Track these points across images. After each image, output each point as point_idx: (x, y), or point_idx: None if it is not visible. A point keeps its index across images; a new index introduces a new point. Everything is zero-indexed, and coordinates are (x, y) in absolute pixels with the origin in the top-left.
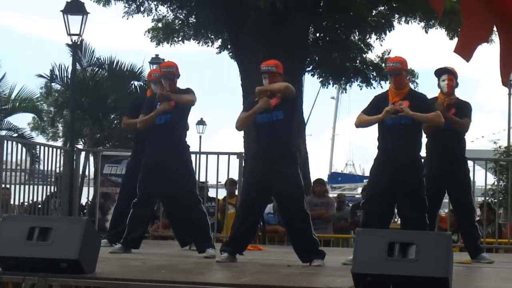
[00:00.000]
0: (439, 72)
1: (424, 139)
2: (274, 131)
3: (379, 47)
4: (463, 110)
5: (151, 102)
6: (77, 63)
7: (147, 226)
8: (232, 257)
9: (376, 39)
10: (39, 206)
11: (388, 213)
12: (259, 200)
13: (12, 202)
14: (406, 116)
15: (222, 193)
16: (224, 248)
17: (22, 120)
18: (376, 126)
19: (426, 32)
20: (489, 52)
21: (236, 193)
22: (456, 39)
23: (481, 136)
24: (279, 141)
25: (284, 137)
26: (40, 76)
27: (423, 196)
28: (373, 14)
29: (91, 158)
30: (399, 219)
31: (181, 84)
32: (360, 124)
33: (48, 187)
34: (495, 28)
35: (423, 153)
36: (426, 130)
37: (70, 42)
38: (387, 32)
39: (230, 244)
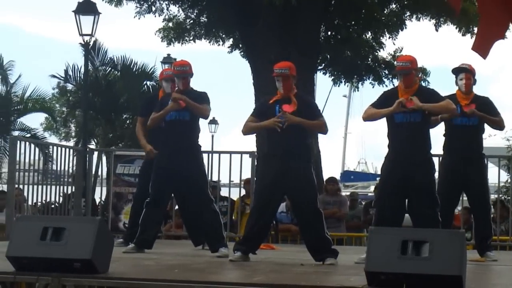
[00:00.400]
0: (457, 71)
1: (440, 137)
2: (285, 131)
3: (391, 45)
4: (489, 107)
5: (163, 102)
6: (90, 63)
7: (160, 226)
8: (245, 256)
9: (389, 37)
10: (53, 206)
11: (400, 211)
12: (272, 200)
13: (25, 202)
14: (417, 111)
15: (234, 192)
16: (238, 247)
17: (35, 121)
18: (386, 124)
19: (437, 30)
20: (501, 49)
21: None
22: (467, 36)
23: (493, 133)
24: (291, 141)
25: (296, 136)
26: (54, 76)
27: (434, 194)
28: (385, 12)
29: (104, 158)
30: (410, 217)
31: (193, 83)
32: (368, 117)
33: (62, 187)
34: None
35: (438, 150)
36: (440, 120)
37: (82, 42)
38: (399, 31)
39: (244, 243)
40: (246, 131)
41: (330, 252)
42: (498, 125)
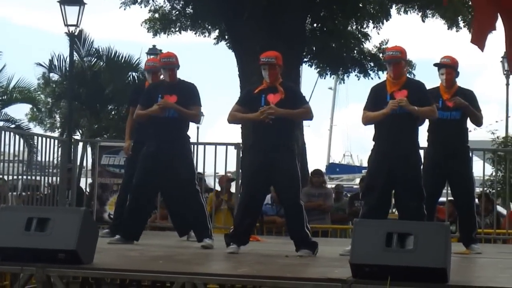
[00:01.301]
0: (438, 66)
1: (425, 129)
2: (273, 123)
3: (376, 37)
4: (472, 101)
5: (149, 94)
6: (75, 54)
7: (147, 217)
8: (238, 248)
9: (374, 27)
10: (37, 197)
11: (387, 204)
12: (258, 191)
13: (9, 193)
14: (404, 108)
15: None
16: (230, 240)
17: (20, 111)
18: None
19: (423, 21)
20: (486, 42)
21: (232, 190)
22: (453, 30)
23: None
24: (277, 133)
25: (282, 128)
26: (39, 65)
27: (420, 186)
28: (370, 2)
29: (89, 149)
30: (396, 209)
31: (178, 75)
32: (368, 122)
33: (47, 178)
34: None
35: (423, 143)
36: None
37: (67, 33)
38: (384, 21)
39: (235, 236)
40: (232, 120)
41: (306, 245)
42: (478, 120)
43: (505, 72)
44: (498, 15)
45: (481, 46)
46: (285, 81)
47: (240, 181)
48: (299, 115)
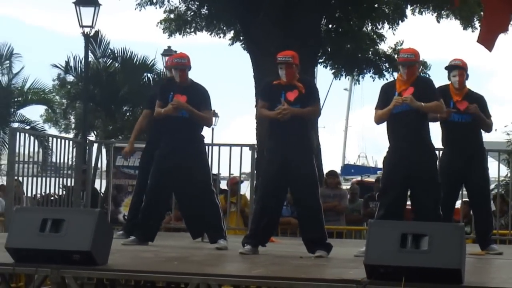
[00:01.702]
0: (449, 68)
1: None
2: (290, 123)
3: (391, 38)
4: (482, 107)
5: (164, 91)
6: (91, 55)
7: (162, 218)
8: (255, 249)
9: (389, 28)
10: (52, 198)
11: (402, 205)
12: (277, 192)
13: (24, 194)
14: (410, 104)
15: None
16: (246, 241)
17: (35, 113)
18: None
19: (438, 21)
20: (500, 43)
21: (242, 192)
22: (469, 30)
23: (493, 128)
24: (293, 133)
25: (298, 129)
26: (55, 66)
27: (437, 188)
28: (385, 3)
29: (104, 150)
30: (412, 211)
31: (194, 76)
32: (378, 121)
33: (62, 179)
34: None
35: (438, 144)
36: (438, 118)
37: (83, 34)
38: (399, 22)
39: (252, 237)
40: (259, 116)
41: (323, 246)
42: (488, 127)
43: None
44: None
45: (489, 47)
46: (302, 76)
47: (254, 182)
48: (309, 114)
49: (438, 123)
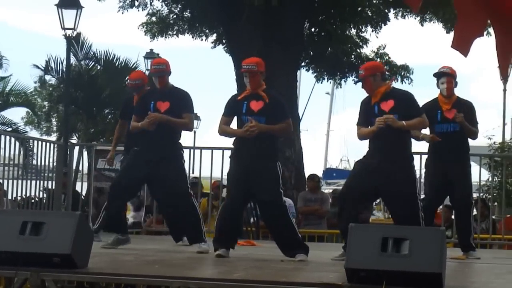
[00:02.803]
0: (438, 75)
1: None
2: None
3: (374, 41)
4: (470, 114)
5: (143, 101)
6: (73, 57)
7: (124, 210)
8: (226, 252)
9: (372, 31)
10: (33, 201)
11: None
12: (238, 196)
13: (5, 197)
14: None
15: None
16: (215, 245)
17: (16, 115)
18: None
19: (422, 25)
20: (482, 47)
21: (224, 195)
22: (452, 33)
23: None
24: (260, 144)
25: (264, 139)
26: (36, 66)
27: (415, 192)
28: (368, 5)
29: (85, 153)
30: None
31: (175, 79)
32: (362, 139)
33: (43, 181)
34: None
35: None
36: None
37: (65, 36)
38: (382, 25)
39: (218, 240)
40: (221, 133)
41: (300, 248)
42: (473, 136)
43: (502, 79)
44: (488, 20)
45: (465, 52)
46: (268, 89)
47: None
48: (279, 131)
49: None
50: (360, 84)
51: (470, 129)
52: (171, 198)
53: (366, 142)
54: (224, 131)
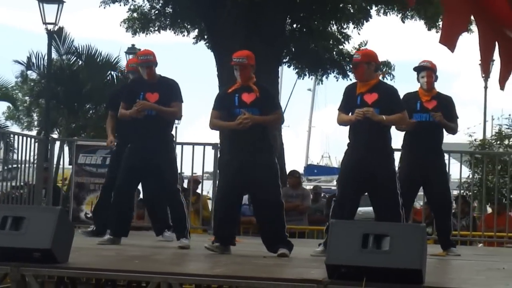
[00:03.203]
0: (418, 69)
1: (401, 132)
2: (250, 128)
3: (356, 38)
4: (450, 108)
5: (132, 90)
6: (54, 52)
7: (132, 213)
8: (225, 248)
9: (354, 28)
10: (13, 195)
11: (356, 206)
12: (236, 191)
13: None
14: (376, 107)
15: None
16: (215, 240)
17: None
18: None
19: (403, 22)
20: (464, 44)
21: (199, 190)
22: (433, 31)
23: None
24: (254, 136)
25: (258, 132)
26: (17, 62)
27: (396, 188)
28: (350, 2)
29: (66, 148)
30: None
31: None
32: (340, 123)
33: (24, 176)
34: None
35: (399, 145)
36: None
37: (46, 31)
38: (364, 22)
39: (217, 236)
40: (213, 127)
41: (284, 243)
42: (453, 131)
43: (483, 75)
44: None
45: (451, 47)
46: (259, 81)
47: (217, 181)
48: (272, 122)
49: None
50: (341, 80)
51: (449, 125)
52: (160, 193)
53: (347, 137)
54: (215, 124)
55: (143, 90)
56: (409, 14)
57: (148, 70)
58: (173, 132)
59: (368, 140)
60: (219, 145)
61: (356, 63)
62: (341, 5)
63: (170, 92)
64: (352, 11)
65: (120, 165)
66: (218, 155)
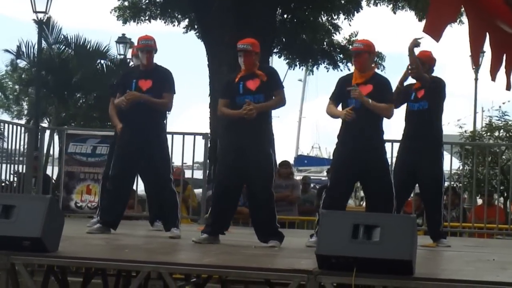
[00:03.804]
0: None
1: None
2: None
3: (346, 29)
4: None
5: (124, 79)
6: (43, 41)
7: (126, 205)
8: (213, 238)
9: (345, 19)
10: (3, 184)
11: (347, 197)
12: (233, 179)
13: None
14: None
15: (187, 174)
16: (204, 230)
17: None
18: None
19: (394, 12)
20: (454, 35)
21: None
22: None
23: (447, 122)
24: (254, 125)
25: (258, 122)
26: (7, 51)
27: (389, 179)
28: None
29: (56, 137)
30: (365, 202)
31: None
32: (330, 115)
33: (13, 165)
34: (463, 8)
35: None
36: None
37: (36, 20)
38: (355, 12)
39: (210, 225)
40: (221, 116)
41: (275, 235)
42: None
43: (473, 67)
44: (461, 6)
45: (437, 37)
46: (262, 64)
47: (207, 171)
48: (275, 105)
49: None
50: (332, 71)
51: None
52: (153, 182)
53: (337, 128)
54: (223, 113)
55: (136, 77)
56: (400, 4)
57: (148, 55)
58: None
59: (360, 131)
60: (209, 135)
61: (358, 52)
62: None
63: (163, 82)
64: (342, 1)
65: (114, 154)
66: (209, 145)
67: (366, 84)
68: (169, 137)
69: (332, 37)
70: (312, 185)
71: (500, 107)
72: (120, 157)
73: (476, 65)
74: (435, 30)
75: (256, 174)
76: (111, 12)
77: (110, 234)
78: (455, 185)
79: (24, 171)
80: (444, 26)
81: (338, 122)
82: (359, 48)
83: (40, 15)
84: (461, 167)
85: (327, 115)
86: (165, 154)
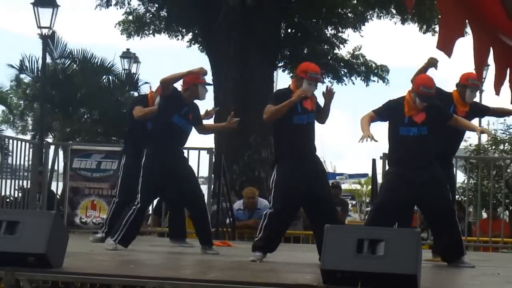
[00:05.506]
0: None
1: None
2: (307, 132)
3: (352, 42)
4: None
5: (178, 101)
6: (48, 56)
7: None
8: (264, 256)
9: (354, 31)
10: (8, 200)
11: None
12: (298, 201)
13: None
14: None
15: None
16: (259, 246)
17: None
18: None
19: (403, 24)
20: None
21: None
22: (428, 34)
23: None
24: (312, 141)
25: (314, 137)
26: (10, 66)
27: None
28: (346, 6)
29: (61, 152)
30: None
31: (152, 78)
32: (360, 123)
33: (18, 181)
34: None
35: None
36: None
37: (40, 35)
38: (361, 25)
39: (266, 243)
40: (270, 115)
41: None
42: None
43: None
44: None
45: (449, 53)
46: (255, 86)
47: (212, 186)
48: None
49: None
50: (336, 85)
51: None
52: (189, 202)
53: (343, 144)
54: (271, 111)
55: (187, 106)
56: (405, 17)
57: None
58: None
59: (419, 156)
60: (213, 150)
61: (430, 98)
62: (338, 10)
63: (198, 114)
64: (350, 15)
65: (144, 180)
66: (213, 160)
67: (418, 112)
68: None
69: (337, 51)
70: None
71: (505, 120)
72: (149, 184)
73: (480, 79)
74: (446, 47)
75: (325, 194)
76: (115, 26)
77: (115, 250)
78: (460, 199)
79: (28, 186)
80: (454, 41)
81: (344, 136)
82: (430, 94)
83: (45, 30)
84: (466, 181)
85: (361, 124)
86: (194, 173)
